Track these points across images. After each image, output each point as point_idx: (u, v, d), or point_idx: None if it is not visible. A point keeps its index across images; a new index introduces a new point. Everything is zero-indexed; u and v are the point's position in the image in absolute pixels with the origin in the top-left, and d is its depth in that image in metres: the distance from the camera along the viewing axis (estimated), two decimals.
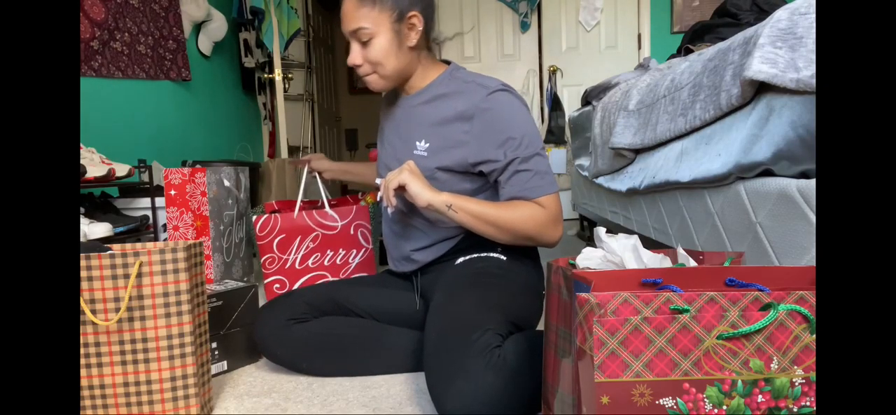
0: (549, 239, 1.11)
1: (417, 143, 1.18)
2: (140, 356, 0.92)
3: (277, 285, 1.58)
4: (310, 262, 1.59)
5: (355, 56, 1.14)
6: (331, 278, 1.58)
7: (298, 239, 1.57)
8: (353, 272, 1.62)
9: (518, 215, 1.09)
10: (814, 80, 0.81)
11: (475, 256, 1.19)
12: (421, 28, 1.14)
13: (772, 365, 0.59)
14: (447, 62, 1.24)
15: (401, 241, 1.27)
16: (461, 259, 1.20)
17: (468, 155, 1.13)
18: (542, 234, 1.10)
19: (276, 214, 1.57)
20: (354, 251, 1.61)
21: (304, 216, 1.58)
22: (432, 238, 1.22)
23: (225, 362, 1.21)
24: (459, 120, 1.13)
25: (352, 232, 1.58)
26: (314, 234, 1.58)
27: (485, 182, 1.17)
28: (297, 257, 1.58)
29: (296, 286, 1.56)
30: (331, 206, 1.63)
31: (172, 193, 1.75)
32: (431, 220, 1.19)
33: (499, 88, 1.14)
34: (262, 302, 1.41)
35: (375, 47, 1.12)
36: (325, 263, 1.59)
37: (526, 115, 1.14)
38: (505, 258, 1.17)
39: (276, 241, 1.56)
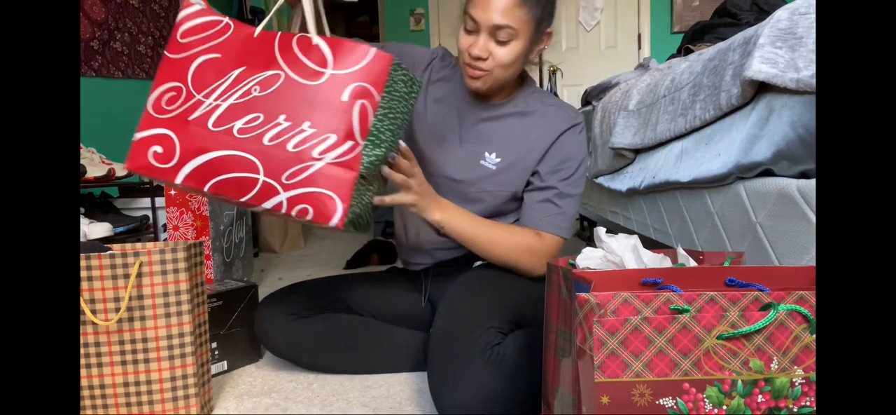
0: (532, 270, 1.12)
1: (487, 154, 1.15)
2: (140, 356, 0.92)
3: (156, 146, 0.85)
4: (235, 127, 0.83)
5: (483, 48, 1.03)
6: (262, 179, 0.82)
7: (238, 72, 0.85)
8: (316, 182, 0.82)
9: (513, 241, 1.11)
10: (814, 80, 0.81)
11: None
12: (547, 47, 1.12)
13: (772, 365, 0.59)
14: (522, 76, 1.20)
15: (421, 231, 1.21)
16: (479, 262, 1.20)
17: (527, 173, 1.14)
18: (529, 265, 1.12)
19: (227, 20, 0.90)
20: (332, 137, 0.81)
21: (276, 45, 0.86)
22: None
23: (225, 362, 1.21)
24: (537, 142, 1.13)
25: (345, 99, 0.81)
26: (272, 74, 0.84)
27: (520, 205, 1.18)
28: (217, 106, 0.84)
29: (185, 169, 0.84)
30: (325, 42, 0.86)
31: (172, 193, 1.75)
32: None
33: (580, 118, 1.15)
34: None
35: (511, 50, 1.04)
36: (266, 140, 0.82)
37: (585, 153, 1.15)
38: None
39: (198, 62, 0.87)
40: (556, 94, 3.88)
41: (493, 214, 1.17)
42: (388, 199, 0.99)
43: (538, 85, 1.25)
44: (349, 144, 0.82)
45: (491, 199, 1.15)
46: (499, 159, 1.14)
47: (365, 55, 0.83)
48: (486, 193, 1.15)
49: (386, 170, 0.93)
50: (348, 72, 0.82)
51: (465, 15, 1.05)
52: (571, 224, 1.14)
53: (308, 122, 0.82)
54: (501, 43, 1.03)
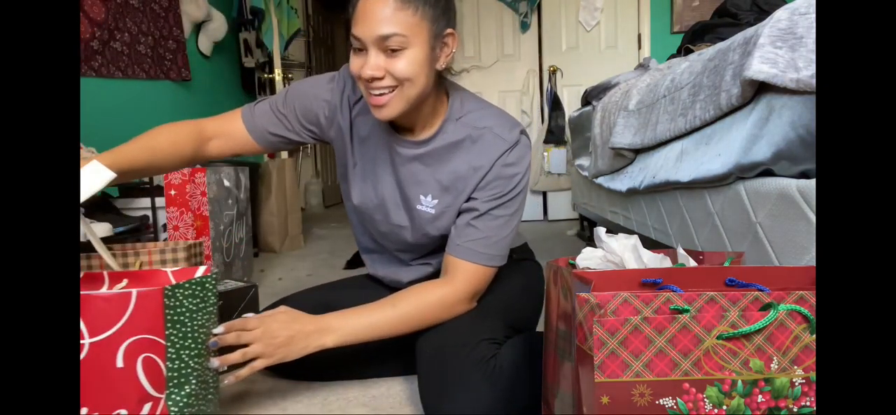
0: (458, 314, 1.01)
1: (422, 196, 1.05)
2: None
3: None
4: None
5: (375, 66, 0.90)
6: None
7: None
8: None
9: (422, 313, 0.99)
10: (814, 80, 0.81)
11: None
12: (453, 51, 0.97)
13: (772, 365, 0.59)
14: (451, 90, 1.07)
15: (396, 273, 1.18)
16: None
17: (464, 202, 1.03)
18: (448, 316, 1.00)
19: None
20: (123, 413, 0.72)
21: None
22: (433, 266, 1.15)
23: None
24: (473, 174, 1.01)
25: (121, 365, 0.71)
26: None
27: None
28: None
29: None
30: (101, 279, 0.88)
31: (172, 193, 1.76)
32: (423, 247, 1.12)
33: (518, 138, 1.01)
34: (262, 302, 1.41)
35: (407, 60, 0.90)
36: None
37: (527, 169, 1.03)
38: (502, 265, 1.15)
39: None
40: (556, 94, 3.88)
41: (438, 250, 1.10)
42: (233, 378, 0.90)
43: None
44: (147, 406, 0.73)
45: (434, 242, 1.09)
46: (436, 201, 1.04)
47: (127, 304, 0.71)
48: (429, 239, 1.08)
49: (215, 363, 0.85)
50: (113, 332, 0.70)
51: (351, 37, 0.92)
52: (501, 251, 1.02)
53: (85, 409, 0.70)
54: (394, 54, 0.89)
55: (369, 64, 0.90)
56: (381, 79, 0.91)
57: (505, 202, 1.00)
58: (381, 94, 0.92)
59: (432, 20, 0.91)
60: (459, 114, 1.03)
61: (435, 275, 1.10)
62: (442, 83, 1.04)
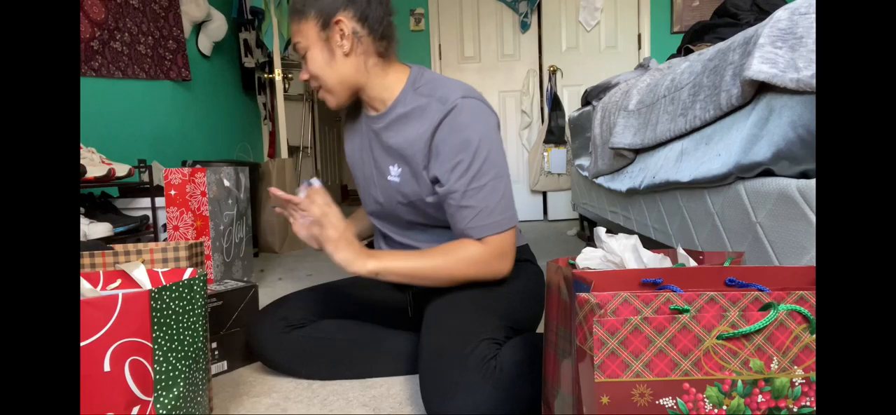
0: (494, 275, 1.05)
1: (390, 167, 1.11)
2: None
3: None
4: None
5: (303, 72, 1.10)
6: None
7: None
8: None
9: (454, 261, 1.03)
10: (814, 80, 0.81)
11: None
12: (351, 31, 1.04)
13: (772, 365, 0.59)
14: (407, 65, 1.14)
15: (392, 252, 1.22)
16: None
17: (424, 176, 1.07)
18: (483, 274, 1.04)
19: None
20: None
21: None
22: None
23: (225, 362, 1.21)
24: (422, 142, 1.04)
25: (108, 369, 0.71)
26: None
27: None
28: None
29: None
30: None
31: (172, 193, 1.76)
32: (430, 236, 1.16)
33: (457, 101, 1.02)
34: (262, 302, 1.41)
35: (312, 59, 1.06)
36: None
37: (484, 134, 1.02)
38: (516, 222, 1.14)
39: None
40: (556, 94, 3.89)
41: (427, 226, 1.14)
42: (302, 232, 1.02)
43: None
44: (136, 410, 0.73)
45: (409, 213, 1.12)
46: (400, 170, 1.10)
47: (113, 308, 0.71)
48: (401, 208, 1.12)
49: (316, 182, 1.00)
50: (99, 336, 0.70)
51: None
52: (503, 212, 1.03)
53: None
54: (305, 59, 1.07)
55: (303, 71, 1.10)
56: (310, 79, 1.09)
57: (477, 172, 1.01)
58: (318, 91, 1.11)
59: (316, 19, 1.04)
60: (415, 86, 1.10)
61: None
62: (387, 60, 1.10)
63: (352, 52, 1.05)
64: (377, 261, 1.01)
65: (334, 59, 1.05)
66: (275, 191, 1.01)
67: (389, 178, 1.12)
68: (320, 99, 1.11)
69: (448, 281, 1.04)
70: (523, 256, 1.19)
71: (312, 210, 0.99)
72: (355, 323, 1.20)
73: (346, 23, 1.04)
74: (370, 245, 1.38)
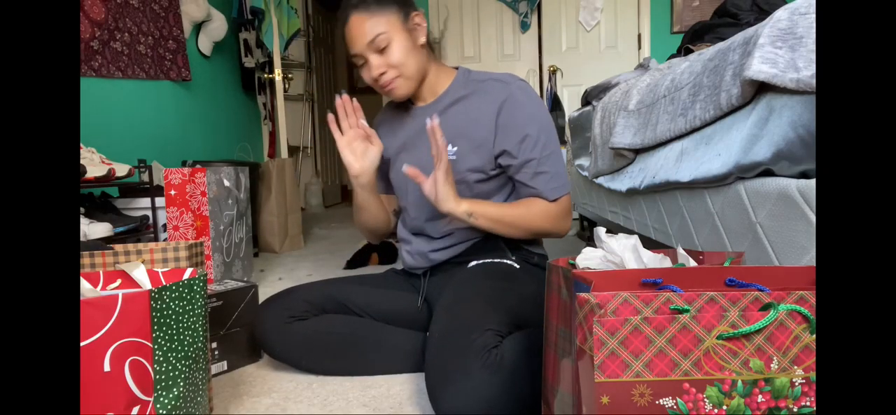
0: (560, 232, 1.21)
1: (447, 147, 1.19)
2: None
3: None
4: None
5: (377, 65, 1.14)
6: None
7: None
8: None
9: (533, 214, 1.17)
10: (814, 80, 0.81)
11: (487, 260, 1.21)
12: (424, 26, 1.19)
13: (772, 365, 0.59)
14: (455, 68, 1.27)
15: (420, 239, 1.27)
16: (473, 263, 1.21)
17: (493, 150, 1.17)
18: (554, 228, 1.19)
19: None
20: None
21: None
22: (451, 240, 1.24)
23: (225, 362, 1.21)
24: (483, 119, 1.17)
25: (108, 369, 0.71)
26: None
27: (507, 181, 1.22)
28: None
29: None
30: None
31: (172, 193, 1.76)
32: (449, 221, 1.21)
33: (516, 82, 1.19)
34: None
35: (395, 50, 1.14)
36: None
37: (542, 109, 1.19)
38: (517, 266, 1.19)
39: None
40: (556, 94, 3.89)
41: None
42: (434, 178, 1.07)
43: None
44: (136, 410, 0.73)
45: (463, 189, 1.19)
46: (456, 148, 1.19)
47: (113, 308, 0.70)
48: (463, 184, 1.19)
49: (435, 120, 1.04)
50: (98, 337, 0.70)
51: (351, 60, 1.18)
52: (565, 177, 1.20)
53: None
54: (384, 51, 1.14)
55: (373, 67, 1.15)
56: (384, 72, 1.15)
57: (545, 142, 1.17)
58: (388, 83, 1.16)
59: (397, 12, 1.15)
60: (466, 77, 1.24)
61: (463, 254, 1.23)
62: (435, 56, 1.25)
63: (424, 45, 1.19)
64: (470, 203, 1.12)
65: (415, 48, 1.17)
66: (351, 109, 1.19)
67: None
68: (387, 92, 1.18)
69: (526, 231, 1.18)
70: (541, 263, 1.21)
71: (437, 140, 1.04)
72: (357, 319, 1.21)
73: (421, 18, 1.19)
74: (357, 261, 1.45)
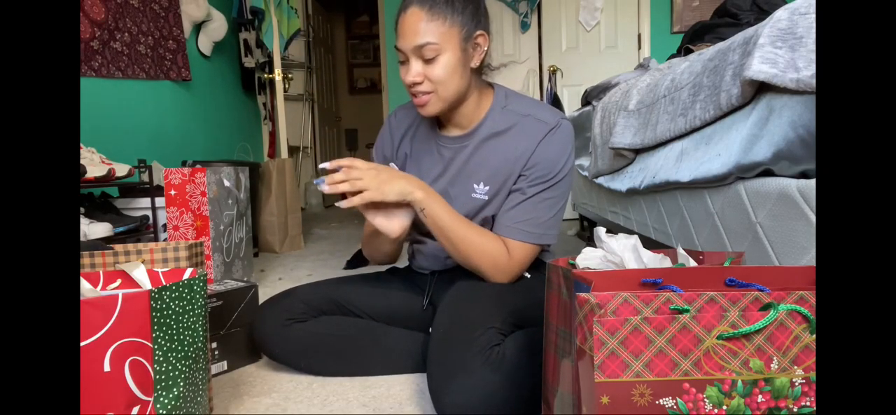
0: (497, 280, 1.10)
1: (476, 185, 1.13)
2: None
3: None
4: None
5: (416, 73, 1.03)
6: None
7: None
8: None
9: (479, 243, 1.07)
10: (814, 80, 0.81)
11: None
12: (485, 50, 1.09)
13: (772, 365, 0.59)
14: (490, 84, 1.18)
15: (436, 243, 1.20)
16: None
17: (512, 185, 1.11)
18: (492, 272, 1.09)
19: None
20: None
21: None
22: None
23: (225, 362, 1.21)
24: (519, 159, 1.09)
25: (108, 369, 0.70)
26: None
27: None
28: None
29: None
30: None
31: (172, 193, 1.76)
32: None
33: (560, 122, 1.09)
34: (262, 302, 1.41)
35: (441, 65, 1.02)
36: None
37: (570, 153, 1.10)
38: (528, 275, 1.16)
39: None
40: (556, 94, 3.88)
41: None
42: (346, 204, 0.99)
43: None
44: (136, 410, 0.72)
45: (490, 224, 1.15)
46: (488, 187, 1.12)
47: (113, 308, 0.70)
48: (485, 221, 1.14)
49: (325, 187, 0.96)
50: (98, 337, 0.70)
51: (396, 49, 1.06)
52: (549, 230, 1.10)
53: None
54: (430, 61, 1.02)
55: (411, 72, 1.04)
56: (420, 83, 1.05)
57: (550, 186, 1.09)
58: (422, 96, 1.06)
59: (461, 26, 1.03)
60: (503, 104, 1.14)
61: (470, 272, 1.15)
62: (482, 79, 1.15)
63: (477, 66, 1.09)
64: (424, 191, 1.04)
65: (464, 71, 1.06)
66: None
67: (474, 195, 1.13)
68: (416, 103, 1.08)
69: (464, 255, 1.08)
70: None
71: (352, 173, 0.99)
72: (356, 319, 1.20)
73: (484, 40, 1.08)
74: (357, 262, 1.41)
